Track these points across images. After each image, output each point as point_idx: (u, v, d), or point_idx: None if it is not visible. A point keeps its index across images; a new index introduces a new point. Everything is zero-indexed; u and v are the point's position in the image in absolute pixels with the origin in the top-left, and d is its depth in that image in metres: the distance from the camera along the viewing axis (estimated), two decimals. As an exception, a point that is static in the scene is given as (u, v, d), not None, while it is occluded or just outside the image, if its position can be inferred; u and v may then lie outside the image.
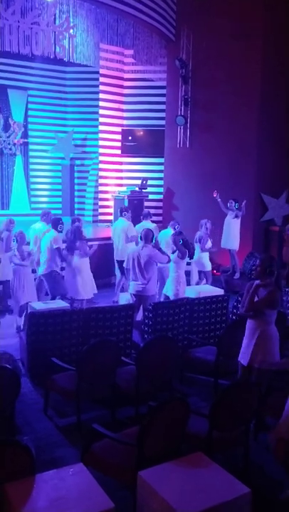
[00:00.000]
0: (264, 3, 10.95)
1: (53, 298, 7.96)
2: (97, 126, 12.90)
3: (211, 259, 9.30)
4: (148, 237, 6.92)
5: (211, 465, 3.53)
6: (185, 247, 7.28)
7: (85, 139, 13.64)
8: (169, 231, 8.70)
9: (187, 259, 7.84)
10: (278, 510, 3.82)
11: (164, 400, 3.93)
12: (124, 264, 7.12)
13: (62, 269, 8.18)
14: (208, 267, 9.09)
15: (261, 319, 4.66)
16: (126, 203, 11.77)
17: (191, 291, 7.62)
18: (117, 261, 9.08)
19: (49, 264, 7.84)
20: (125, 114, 13.13)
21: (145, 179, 12.43)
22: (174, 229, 8.87)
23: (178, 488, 3.25)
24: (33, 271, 8.06)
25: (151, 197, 12.63)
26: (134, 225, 9.29)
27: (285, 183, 11.71)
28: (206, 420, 3.94)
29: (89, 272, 8.03)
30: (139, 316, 6.96)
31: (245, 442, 4.25)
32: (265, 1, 10.96)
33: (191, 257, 7.66)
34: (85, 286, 7.91)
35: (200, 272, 9.09)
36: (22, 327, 7.37)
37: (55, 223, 8.07)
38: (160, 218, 12.65)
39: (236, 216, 10.02)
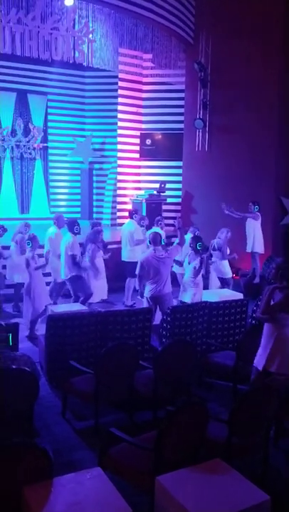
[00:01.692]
0: (284, 5, 10.86)
1: (77, 299, 8.02)
2: (115, 131, 12.96)
3: (230, 264, 9.26)
4: (156, 240, 7.02)
5: (230, 471, 3.48)
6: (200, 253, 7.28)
7: (103, 143, 13.71)
8: (189, 236, 8.69)
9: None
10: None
11: (182, 404, 3.90)
12: (137, 271, 7.16)
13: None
14: (229, 273, 9.06)
15: (278, 323, 4.63)
16: (144, 207, 11.81)
17: (210, 295, 7.57)
18: (123, 262, 9.14)
19: (69, 269, 7.87)
20: (144, 118, 13.16)
21: (163, 183, 12.43)
22: (194, 234, 8.88)
23: (196, 494, 3.22)
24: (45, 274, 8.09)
25: (169, 200, 12.63)
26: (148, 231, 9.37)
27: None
28: (225, 426, 3.90)
29: (100, 276, 8.06)
30: (157, 319, 6.95)
31: (265, 448, 4.20)
32: (285, 2, 10.88)
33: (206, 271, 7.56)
34: (95, 290, 8.01)
35: (220, 279, 9.04)
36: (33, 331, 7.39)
37: (71, 225, 8.02)
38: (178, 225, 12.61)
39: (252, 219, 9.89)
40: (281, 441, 4.62)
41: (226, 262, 8.93)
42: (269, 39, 10.97)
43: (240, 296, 8.00)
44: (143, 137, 13.06)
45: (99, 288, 8.33)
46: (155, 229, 9.33)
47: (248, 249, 10.14)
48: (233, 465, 3.61)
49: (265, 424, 4.13)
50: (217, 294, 7.82)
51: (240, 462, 4.09)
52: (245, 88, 11.34)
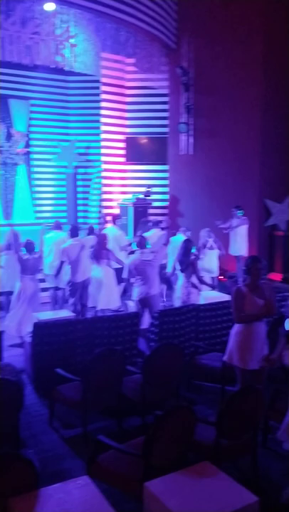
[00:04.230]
0: (264, 9, 10.92)
1: (83, 306, 7.98)
2: (99, 135, 12.92)
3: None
4: (142, 243, 7.12)
5: (218, 474, 3.46)
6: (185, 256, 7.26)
7: (88, 148, 13.66)
8: (180, 237, 8.72)
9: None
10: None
11: (170, 409, 3.87)
12: (125, 275, 7.17)
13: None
14: (215, 272, 9.09)
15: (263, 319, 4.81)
16: (131, 211, 11.80)
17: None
18: None
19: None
20: (128, 122, 13.15)
21: (150, 186, 12.43)
22: (186, 235, 8.95)
23: (185, 498, 3.19)
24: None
25: (156, 204, 12.63)
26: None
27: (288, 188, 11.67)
28: (213, 428, 3.88)
29: (112, 282, 7.98)
30: (145, 323, 6.92)
31: (253, 450, 4.18)
32: (265, 6, 10.93)
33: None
34: (106, 296, 7.92)
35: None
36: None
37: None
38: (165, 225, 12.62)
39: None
40: (269, 442, 4.61)
41: (209, 260, 9.03)
42: (251, 42, 11.02)
43: (227, 297, 8.00)
44: (128, 141, 13.04)
45: (108, 295, 8.12)
46: (155, 231, 9.42)
47: (236, 253, 10.24)
48: (221, 467, 3.59)
49: (254, 425, 4.12)
50: (204, 296, 7.81)
51: (229, 464, 4.08)
52: (228, 92, 11.38)
